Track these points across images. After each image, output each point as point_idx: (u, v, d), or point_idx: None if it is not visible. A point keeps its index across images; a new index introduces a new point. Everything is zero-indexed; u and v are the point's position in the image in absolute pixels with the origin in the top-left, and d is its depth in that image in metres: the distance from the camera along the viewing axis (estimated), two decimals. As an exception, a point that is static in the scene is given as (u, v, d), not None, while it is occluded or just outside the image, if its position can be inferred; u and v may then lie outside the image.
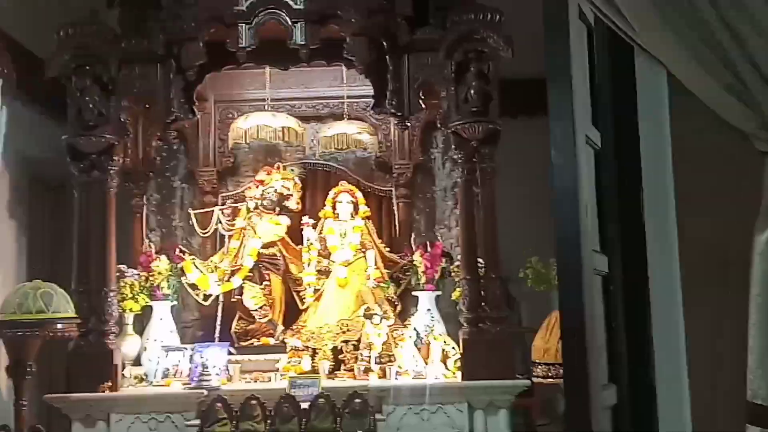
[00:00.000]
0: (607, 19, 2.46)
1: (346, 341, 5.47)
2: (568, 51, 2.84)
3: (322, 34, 4.98)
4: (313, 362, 5.35)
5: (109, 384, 4.83)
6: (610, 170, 3.10)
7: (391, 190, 6.14)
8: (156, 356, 5.36)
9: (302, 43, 4.95)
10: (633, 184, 3.06)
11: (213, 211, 5.88)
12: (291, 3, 4.95)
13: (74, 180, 5.02)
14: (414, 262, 5.65)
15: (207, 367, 4.99)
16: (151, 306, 5.58)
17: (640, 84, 3.02)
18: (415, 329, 5.32)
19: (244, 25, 4.95)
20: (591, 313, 2.63)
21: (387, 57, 5.05)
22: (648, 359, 2.88)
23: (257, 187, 5.83)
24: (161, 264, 5.58)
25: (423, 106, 5.14)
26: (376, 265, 5.73)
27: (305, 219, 5.82)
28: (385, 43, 5.04)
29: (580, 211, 2.69)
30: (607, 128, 3.11)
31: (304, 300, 5.76)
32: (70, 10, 5.16)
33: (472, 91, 4.84)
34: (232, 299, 5.73)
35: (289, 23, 4.95)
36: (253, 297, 5.68)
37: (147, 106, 5.33)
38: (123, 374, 5.07)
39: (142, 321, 5.63)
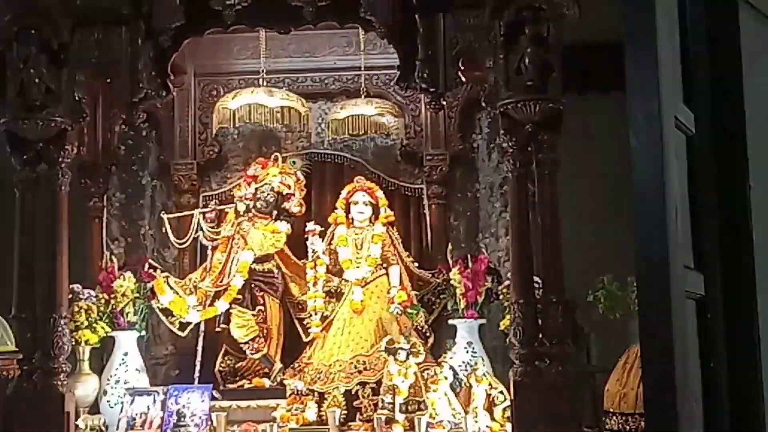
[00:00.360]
0: (701, -36, 2.44)
1: (362, 383, 5.48)
2: (653, 7, 2.82)
3: (333, -13, 5.01)
4: (320, 410, 5.36)
5: (59, 437, 4.86)
6: (707, 162, 3.06)
7: (422, 188, 6.16)
8: (119, 402, 5.39)
9: (307, -1, 4.98)
10: (738, 180, 3.02)
11: (192, 215, 5.92)
12: (292, -53, 4.98)
13: (15, 176, 5.06)
14: (451, 282, 5.65)
15: (184, 416, 5.02)
16: (113, 337, 5.62)
17: (746, 50, 2.99)
18: (452, 368, 5.31)
19: (232, -25, 4.99)
20: (682, 348, 2.60)
21: (416, 16, 5.05)
22: (757, 408, 2.85)
23: (249, 184, 5.87)
24: (126, 283, 5.62)
25: (463, 79, 5.13)
26: (401, 284, 5.75)
27: (310, 225, 5.84)
28: (413, -1, 5.06)
29: (667, 215, 2.66)
30: (704, 108, 3.07)
31: (308, 330, 5.78)
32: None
33: (527, 61, 4.82)
34: (217, 329, 5.77)
35: (290, -27, 4.98)
36: (242, 326, 5.71)
37: (108, 80, 5.37)
38: (77, 425, 5.10)
39: (101, 356, 5.67)
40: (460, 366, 5.43)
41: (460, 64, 5.08)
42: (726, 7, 2.89)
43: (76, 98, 5.10)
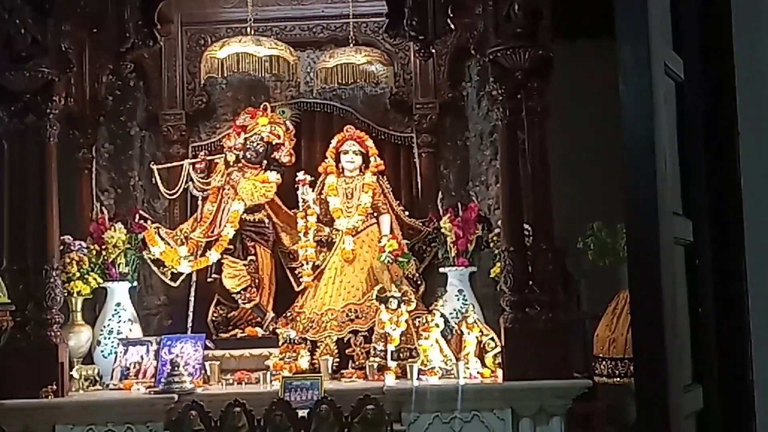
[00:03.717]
0: None
1: (354, 332, 5.52)
2: (642, -47, 2.80)
3: (320, -68, 4.96)
4: (312, 359, 5.41)
5: (53, 387, 4.90)
6: (696, 109, 3.06)
7: (412, 137, 6.15)
8: (113, 352, 5.43)
9: (294, -56, 4.93)
10: (726, 126, 3.02)
11: (182, 165, 5.91)
12: None
13: (3, 128, 5.05)
14: (442, 230, 5.67)
15: (178, 366, 5.05)
16: (105, 288, 5.64)
17: (735, -4, 2.98)
18: (443, 316, 5.35)
19: None
20: (671, 294, 2.62)
21: (404, -38, 5.02)
22: (743, 353, 2.88)
23: (238, 134, 5.85)
24: (117, 234, 5.63)
25: (452, 27, 5.11)
26: (392, 233, 5.76)
27: (300, 175, 5.84)
28: (401, -56, 5.01)
29: (656, 162, 2.67)
30: (693, 53, 3.07)
31: (300, 279, 5.81)
32: None
33: (516, 7, 4.80)
34: (208, 279, 5.79)
35: None
36: (234, 276, 5.73)
37: (95, 30, 5.34)
38: (71, 375, 5.14)
39: (93, 307, 5.70)
40: (451, 314, 5.47)
41: (449, 12, 5.06)
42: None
43: (63, 49, 5.07)
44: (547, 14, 4.87)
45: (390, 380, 5.09)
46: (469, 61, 5.92)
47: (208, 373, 5.30)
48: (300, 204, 5.79)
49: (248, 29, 5.95)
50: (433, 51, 5.35)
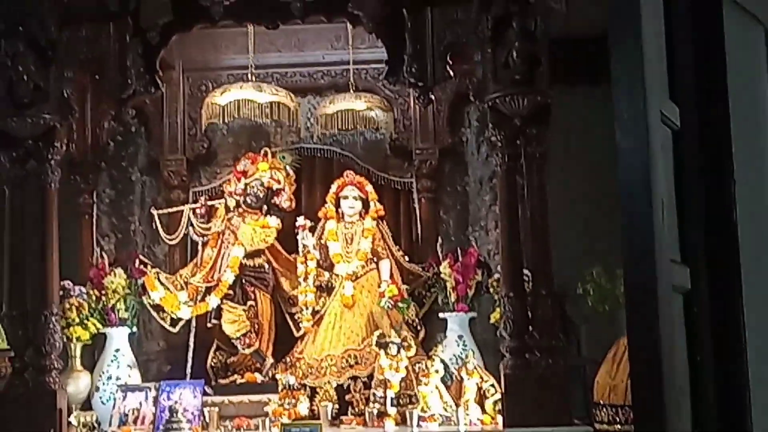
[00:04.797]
0: (686, -39, 2.46)
1: (354, 378, 5.51)
2: (638, 3, 2.84)
3: (321, -17, 5.01)
4: (312, 405, 5.39)
5: (52, 434, 4.88)
6: (693, 156, 3.08)
7: (412, 182, 6.18)
8: (111, 398, 5.41)
9: (295, -6, 4.98)
10: (723, 174, 3.04)
11: (182, 211, 5.93)
12: (280, -58, 4.98)
13: (4, 174, 5.07)
14: (441, 275, 5.67)
15: (176, 412, 5.02)
16: (104, 334, 5.63)
17: (730, 45, 3.01)
18: (443, 362, 5.34)
19: (220, -29, 4.99)
20: (669, 342, 2.62)
21: (404, 11, 5.07)
22: (743, 403, 2.87)
23: (239, 179, 5.88)
24: (116, 279, 5.63)
25: (451, 73, 5.15)
26: (392, 278, 5.76)
27: (300, 220, 5.85)
28: (401, -7, 5.07)
29: (654, 210, 2.68)
30: (689, 102, 3.10)
31: (299, 325, 5.80)
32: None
33: (515, 54, 4.84)
34: (208, 324, 5.78)
35: (279, -32, 4.98)
36: (234, 321, 5.72)
37: (97, 77, 5.38)
38: (69, 421, 5.12)
39: (92, 353, 5.69)
40: (451, 359, 5.46)
41: (448, 59, 5.10)
42: (710, 3, 2.91)
43: (65, 95, 5.11)
44: (545, 61, 4.90)
45: (390, 427, 5.07)
46: (469, 107, 5.96)
47: (207, 419, 5.27)
48: (300, 249, 5.80)
49: (249, 75, 6.01)
50: (433, 97, 5.38)
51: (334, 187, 5.93)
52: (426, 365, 5.28)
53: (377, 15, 5.05)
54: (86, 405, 5.51)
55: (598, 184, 5.15)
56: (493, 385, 5.18)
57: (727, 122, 3.04)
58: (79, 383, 5.49)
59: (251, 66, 6.03)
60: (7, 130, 5.02)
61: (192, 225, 5.88)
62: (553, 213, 4.99)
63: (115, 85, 5.19)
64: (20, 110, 5.00)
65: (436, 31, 5.09)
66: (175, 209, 5.99)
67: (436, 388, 5.20)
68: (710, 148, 3.09)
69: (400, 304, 5.65)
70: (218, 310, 5.74)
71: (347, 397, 5.48)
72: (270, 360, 5.73)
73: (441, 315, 5.71)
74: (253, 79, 5.99)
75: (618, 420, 5.11)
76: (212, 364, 5.78)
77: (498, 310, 5.20)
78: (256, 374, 5.67)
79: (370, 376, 5.44)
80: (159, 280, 5.72)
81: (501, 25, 4.90)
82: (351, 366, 5.52)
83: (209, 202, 5.97)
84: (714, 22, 3.05)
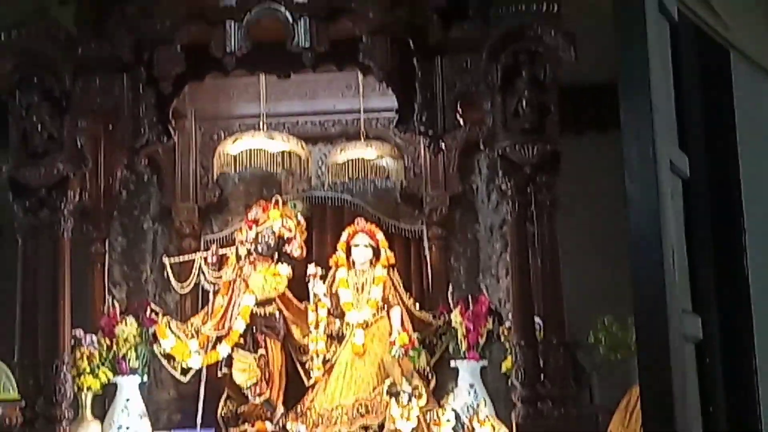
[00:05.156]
0: (693, 14, 2.49)
1: (365, 427, 5.47)
2: (646, 53, 2.86)
3: (332, 34, 5.06)
4: (322, 454, 5.36)
5: (61, 484, 4.85)
6: (703, 205, 3.09)
7: (422, 230, 6.18)
8: (121, 447, 5.39)
9: (306, 45, 5.03)
10: (733, 222, 3.05)
11: (194, 259, 5.94)
12: (291, -6, 5.04)
13: (17, 222, 5.10)
14: (452, 323, 5.66)
15: (186, 462, 5.00)
16: (114, 383, 5.62)
17: (738, 95, 3.03)
18: (454, 410, 5.30)
19: (232, 23, 5.04)
20: (681, 393, 2.61)
21: (414, 60, 5.11)
22: (757, 452, 2.86)
23: (250, 228, 5.89)
24: (128, 328, 5.63)
25: (461, 122, 5.18)
26: (402, 327, 5.75)
27: (311, 268, 5.86)
28: (411, 43, 5.11)
29: (664, 259, 2.68)
30: (698, 151, 3.11)
31: (310, 373, 5.78)
32: (14, 9, 5.29)
33: (524, 103, 4.88)
34: (218, 373, 5.76)
35: (290, 20, 5.03)
36: (244, 370, 5.70)
37: (110, 126, 5.42)
38: (79, 471, 5.10)
39: (103, 403, 5.66)
40: (462, 408, 5.42)
41: (458, 107, 5.14)
42: (718, 53, 2.93)
43: (78, 145, 5.15)
44: (554, 109, 4.94)
45: (401, 477, 5.03)
46: (479, 154, 5.97)
47: (217, 469, 5.25)
48: (311, 297, 5.80)
49: (261, 124, 6.06)
50: (443, 145, 5.40)
51: (344, 235, 5.94)
52: (437, 414, 5.25)
53: (387, 64, 5.09)
54: (96, 455, 5.49)
55: (608, 231, 5.14)
56: (505, 435, 5.14)
57: (736, 171, 3.05)
58: (89, 433, 5.47)
59: (263, 115, 6.07)
60: (20, 180, 5.06)
61: (203, 273, 5.88)
62: (564, 260, 5.00)
63: (128, 135, 5.23)
64: (34, 160, 5.05)
65: (446, 80, 5.13)
66: (186, 257, 5.99)
67: (448, 437, 5.16)
68: (720, 197, 3.10)
69: (411, 353, 5.63)
70: (229, 359, 5.72)
71: (358, 446, 5.45)
72: (281, 409, 5.70)
73: (452, 363, 5.68)
74: (265, 127, 6.03)
75: (631, 470, 5.07)
76: (223, 413, 5.75)
77: (509, 358, 5.19)
78: (267, 423, 5.63)
79: (381, 426, 5.40)
80: (170, 328, 5.72)
81: (510, 74, 4.95)
82: (362, 415, 5.49)
83: (220, 251, 5.97)
84: (722, 71, 3.08)
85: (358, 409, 5.52)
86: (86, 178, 5.62)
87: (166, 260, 5.98)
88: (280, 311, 5.87)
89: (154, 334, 5.69)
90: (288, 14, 5.03)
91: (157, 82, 5.17)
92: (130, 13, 5.21)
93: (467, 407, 5.42)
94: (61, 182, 5.10)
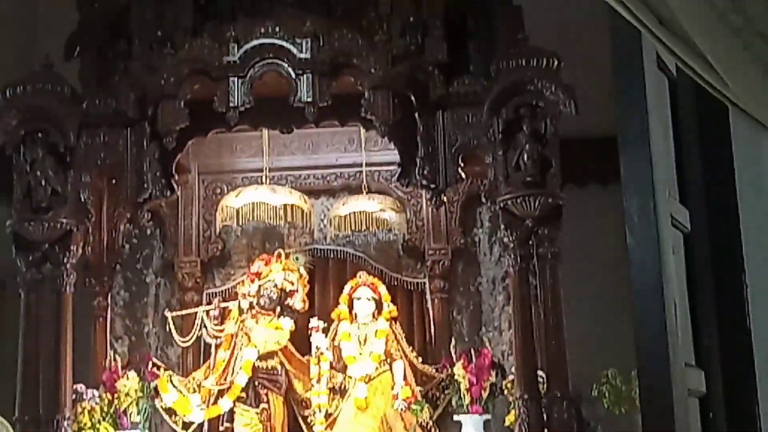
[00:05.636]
0: (691, 71, 2.53)
1: (368, 482, 5.43)
2: (645, 109, 2.91)
3: (334, 89, 5.11)
4: None
5: None
6: (703, 259, 3.11)
7: (424, 283, 6.18)
8: (122, 504, 5.35)
9: (309, 100, 5.08)
10: (734, 276, 3.06)
11: (196, 313, 5.94)
12: (294, 50, 5.10)
13: (20, 277, 5.11)
14: (455, 377, 5.64)
15: None
16: (115, 438, 5.59)
17: (737, 150, 3.06)
18: (458, 465, 5.27)
19: (235, 79, 5.10)
20: (686, 447, 2.62)
21: (416, 115, 5.17)
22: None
23: (252, 281, 5.90)
24: (129, 382, 5.61)
25: (463, 175, 5.22)
26: (405, 380, 5.73)
27: (314, 322, 5.85)
28: (413, 98, 5.16)
29: (666, 313, 2.71)
30: (699, 205, 3.14)
31: (312, 428, 5.75)
32: (20, 65, 5.36)
33: (526, 156, 4.91)
34: (220, 428, 5.72)
35: (293, 76, 5.09)
36: (246, 425, 5.68)
37: (114, 181, 5.46)
38: None
39: (104, 457, 5.63)
40: (466, 462, 5.39)
41: (459, 161, 5.17)
42: (717, 108, 2.97)
43: (82, 199, 5.18)
44: (555, 163, 4.96)
45: None
46: (481, 207, 6.00)
47: None
48: (313, 351, 5.79)
49: (264, 178, 6.09)
50: (445, 199, 5.44)
51: (347, 288, 5.94)
52: (441, 469, 5.21)
53: (389, 119, 5.13)
54: None
55: (611, 284, 5.16)
56: (509, 490, 5.10)
57: (736, 225, 3.07)
58: (90, 489, 5.43)
59: (266, 169, 6.11)
60: (24, 234, 5.08)
61: (205, 327, 5.87)
62: (567, 313, 4.99)
63: (132, 189, 5.27)
64: (38, 214, 5.06)
65: (448, 134, 5.18)
66: (188, 311, 6.00)
67: (452, 492, 5.13)
68: (721, 250, 3.12)
69: (413, 406, 5.60)
70: (231, 413, 5.69)
71: (361, 502, 5.41)
72: (283, 463, 5.67)
73: (455, 417, 5.65)
74: (268, 181, 6.06)
75: None
76: (225, 467, 5.72)
77: (513, 412, 5.15)
78: (270, 478, 5.60)
79: (385, 480, 5.37)
80: (172, 382, 5.70)
81: (511, 128, 4.98)
82: (365, 470, 5.46)
83: (223, 304, 5.97)
84: (722, 126, 3.11)
85: (361, 464, 5.48)
86: (89, 232, 5.65)
87: (168, 314, 5.98)
88: (282, 365, 5.85)
89: (156, 389, 5.67)
90: (291, 70, 5.10)
91: (160, 137, 5.21)
92: (134, 69, 5.28)
93: (471, 462, 5.39)
94: (64, 236, 5.11)
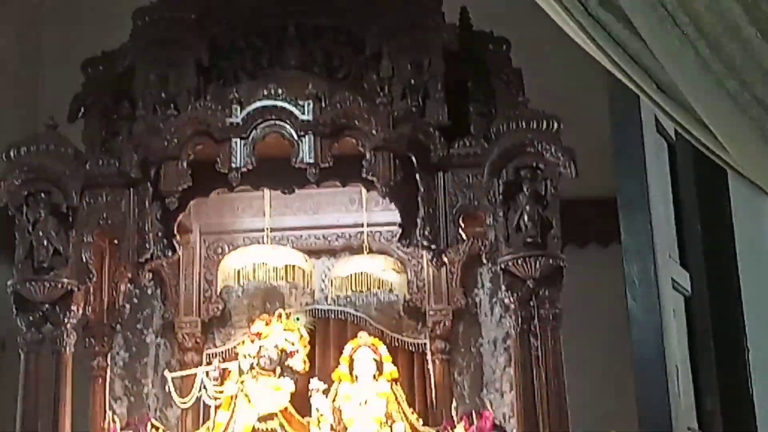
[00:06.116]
0: (690, 135, 2.56)
1: None
2: (644, 172, 2.94)
3: (335, 150, 5.15)
4: None
5: None
6: (704, 322, 3.12)
7: (425, 344, 6.16)
8: None
9: (311, 161, 5.12)
10: (735, 339, 3.06)
11: (196, 373, 5.91)
12: (296, 112, 5.14)
13: (21, 337, 5.10)
14: (457, 439, 5.60)
15: None
16: (111, 502, 5.54)
17: (736, 212, 3.08)
18: None
19: (238, 140, 5.14)
20: None
21: (417, 176, 5.20)
22: None
23: (253, 341, 5.88)
24: (127, 445, 5.58)
25: (463, 236, 5.23)
26: (406, 442, 5.69)
27: (314, 383, 5.82)
28: (414, 159, 5.20)
29: (668, 377, 2.70)
30: (699, 268, 3.15)
31: (312, 492, 5.70)
32: (23, 125, 5.41)
33: (526, 218, 4.94)
34: (220, 490, 5.68)
35: (295, 137, 5.13)
36: (246, 487, 5.63)
37: (115, 241, 5.46)
38: None
39: None
40: None
41: (460, 222, 5.19)
42: (716, 171, 3.00)
43: (84, 259, 5.19)
44: (556, 224, 4.98)
45: None
46: (482, 268, 6.00)
47: None
48: (313, 412, 5.75)
49: (265, 238, 6.11)
50: (446, 259, 5.44)
51: (348, 349, 5.92)
52: None
53: (390, 180, 5.15)
54: None
55: (613, 344, 5.14)
56: None
57: (737, 287, 3.08)
58: None
59: (267, 229, 6.13)
60: (25, 294, 5.08)
61: (205, 388, 5.83)
62: (569, 375, 4.98)
63: (134, 249, 5.28)
64: (39, 274, 5.07)
65: (449, 195, 5.20)
66: (188, 372, 5.97)
67: None
68: (722, 313, 3.12)
69: (415, 469, 5.56)
70: (230, 476, 5.65)
71: None
72: None
73: (457, 481, 5.61)
74: (269, 241, 6.08)
75: None
76: None
77: (515, 476, 5.11)
78: None
79: None
80: (171, 444, 5.67)
81: (512, 189, 5.01)
82: None
83: (223, 365, 5.94)
84: (721, 189, 3.14)
85: None
86: (90, 292, 5.65)
87: (168, 374, 5.95)
88: (282, 426, 5.81)
89: (155, 451, 5.64)
90: (293, 131, 5.14)
91: (163, 197, 5.24)
92: (137, 131, 5.34)
93: None
94: (65, 297, 5.12)
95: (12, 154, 5.17)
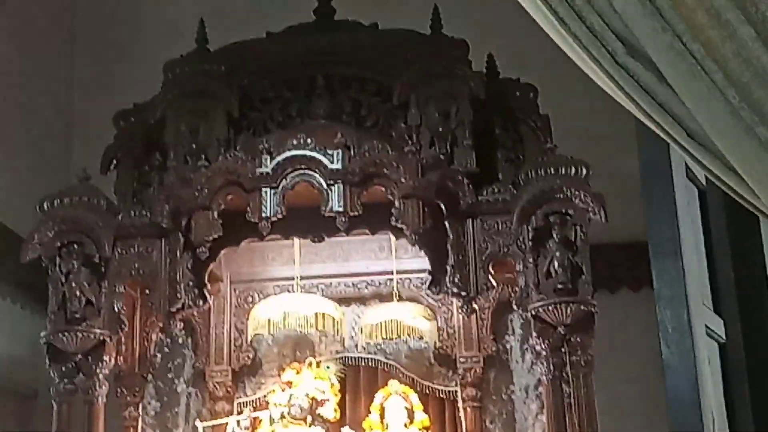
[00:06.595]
0: (721, 181, 2.56)
1: None
2: (675, 218, 2.94)
3: (365, 198, 5.18)
4: None
5: None
6: (739, 369, 3.08)
7: (456, 391, 6.13)
8: None
9: (340, 209, 5.14)
10: (772, 386, 3.04)
11: (227, 422, 5.90)
12: (326, 161, 5.18)
13: (53, 388, 5.12)
14: (489, 488, 5.55)
15: None
16: None
17: (769, 257, 3.08)
18: None
19: (268, 190, 5.18)
20: None
21: (446, 223, 5.20)
22: None
23: (283, 390, 5.88)
24: (160, 495, 5.56)
25: (493, 283, 5.22)
26: (439, 492, 5.65)
27: (345, 431, 5.79)
28: (443, 207, 5.21)
29: (704, 425, 2.68)
30: (733, 314, 3.13)
31: None
32: (56, 178, 5.49)
33: (556, 264, 4.92)
34: None
35: (324, 186, 5.16)
36: None
37: (147, 291, 5.50)
38: None
39: None
40: None
41: (490, 268, 5.18)
42: (747, 218, 2.99)
43: (116, 310, 5.23)
44: (586, 270, 4.96)
45: None
46: (512, 314, 5.97)
47: None
48: (344, 461, 5.73)
49: (295, 286, 6.12)
50: (476, 306, 5.43)
51: (378, 397, 5.91)
52: None
53: (419, 227, 5.16)
54: None
55: (646, 390, 5.11)
56: None
57: (771, 334, 3.06)
58: None
59: (297, 277, 6.15)
60: (58, 345, 5.11)
61: (236, 437, 5.84)
62: (602, 422, 4.92)
63: (165, 299, 5.31)
64: (71, 325, 5.10)
65: (478, 242, 5.19)
66: (219, 421, 5.96)
67: None
68: (757, 360, 3.09)
69: None
70: None
71: None
72: None
73: None
74: (299, 289, 6.10)
75: None
76: None
77: None
78: None
79: None
80: (202, 495, 5.65)
81: (541, 236, 5.00)
82: None
83: (254, 414, 5.94)
84: (753, 234, 3.13)
85: None
86: (122, 342, 5.68)
87: (198, 424, 5.94)
88: (314, 475, 5.79)
89: (187, 501, 5.62)
90: (322, 180, 5.17)
91: (194, 247, 5.28)
92: (168, 181, 5.39)
93: None
94: (97, 347, 5.15)
95: (45, 206, 5.24)
